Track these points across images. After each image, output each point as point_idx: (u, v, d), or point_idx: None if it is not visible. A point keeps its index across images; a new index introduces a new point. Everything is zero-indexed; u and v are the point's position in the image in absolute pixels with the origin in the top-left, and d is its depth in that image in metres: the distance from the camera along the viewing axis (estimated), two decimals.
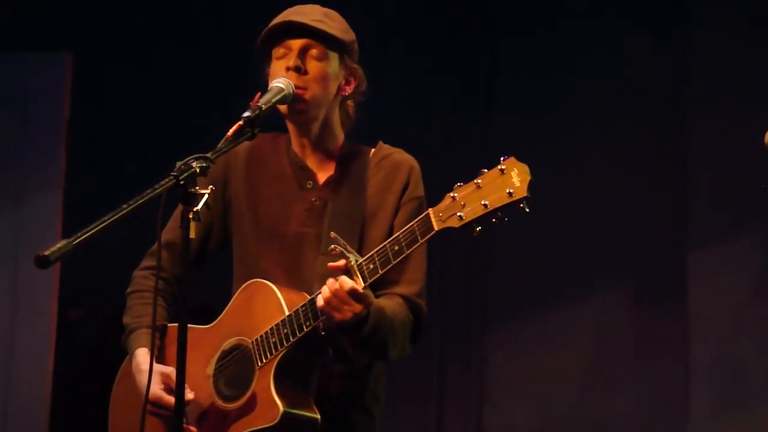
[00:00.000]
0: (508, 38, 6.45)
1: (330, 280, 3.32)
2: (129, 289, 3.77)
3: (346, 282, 3.29)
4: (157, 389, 3.47)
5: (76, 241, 2.90)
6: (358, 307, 3.31)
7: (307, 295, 3.43)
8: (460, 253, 6.25)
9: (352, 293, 3.29)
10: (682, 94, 6.11)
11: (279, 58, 3.59)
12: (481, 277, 6.35)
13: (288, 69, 3.54)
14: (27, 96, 6.50)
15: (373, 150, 3.70)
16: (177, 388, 3.08)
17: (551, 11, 6.36)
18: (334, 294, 3.30)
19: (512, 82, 6.41)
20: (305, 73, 3.55)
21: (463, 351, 6.34)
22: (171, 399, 3.41)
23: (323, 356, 3.47)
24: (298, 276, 3.57)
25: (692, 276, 5.99)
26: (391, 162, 3.66)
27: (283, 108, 3.56)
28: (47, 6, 6.57)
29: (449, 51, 6.49)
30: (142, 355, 3.58)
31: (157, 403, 3.47)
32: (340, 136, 3.70)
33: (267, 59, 3.64)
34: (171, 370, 3.48)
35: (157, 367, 3.48)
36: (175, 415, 3.12)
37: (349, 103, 3.70)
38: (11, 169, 6.48)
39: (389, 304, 3.49)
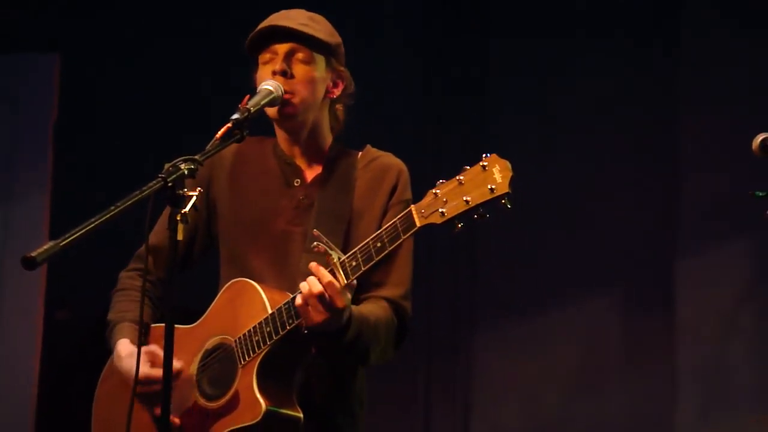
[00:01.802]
0: (504, 38, 6.45)
1: (309, 278, 3.31)
2: (114, 289, 3.77)
3: (324, 276, 3.28)
4: (143, 367, 3.43)
5: (64, 242, 2.89)
6: (340, 302, 3.28)
7: (290, 294, 3.43)
8: (447, 256, 6.25)
9: (330, 287, 3.27)
10: (673, 99, 6.11)
11: (265, 63, 3.60)
12: (469, 280, 6.34)
13: (274, 73, 3.55)
14: (15, 97, 6.50)
15: (360, 153, 3.70)
16: (164, 390, 3.07)
17: (548, 11, 6.36)
18: (311, 292, 3.29)
19: (507, 83, 6.40)
20: (292, 77, 3.56)
21: (451, 354, 6.34)
22: (156, 372, 3.40)
23: (306, 355, 3.47)
24: (285, 274, 3.56)
25: (680, 282, 6.00)
26: (380, 165, 3.67)
27: (272, 112, 3.56)
28: (36, 8, 6.56)
29: (445, 51, 6.48)
30: (121, 344, 3.57)
31: (146, 380, 3.44)
32: (329, 139, 3.70)
33: (254, 65, 3.64)
34: (154, 347, 3.49)
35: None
36: (162, 415, 3.11)
37: (338, 107, 3.70)
38: None
39: (373, 309, 3.49)
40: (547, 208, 6.09)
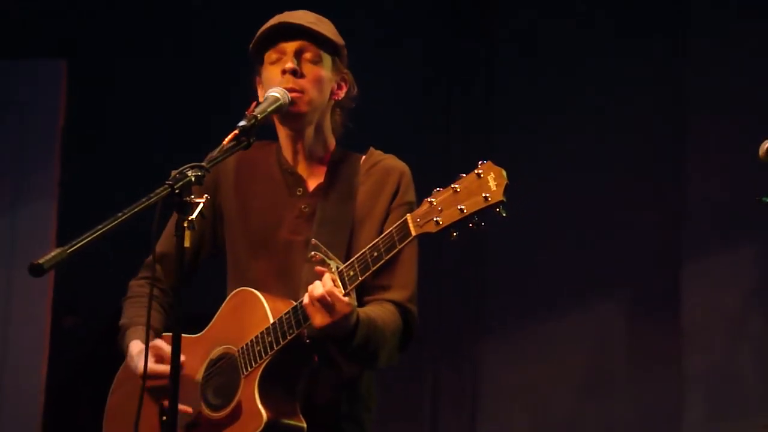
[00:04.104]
0: (507, 40, 6.45)
1: (315, 282, 3.31)
2: (125, 297, 3.77)
3: (327, 282, 3.28)
4: (150, 362, 3.42)
5: (71, 249, 2.88)
6: (343, 307, 3.27)
7: (293, 303, 3.42)
8: (454, 261, 6.24)
9: (331, 294, 3.27)
10: (681, 103, 6.10)
11: (273, 63, 3.57)
12: (476, 286, 6.34)
13: (284, 72, 3.53)
14: (22, 102, 6.50)
15: (363, 156, 3.68)
16: (171, 399, 3.06)
17: (550, 12, 6.36)
18: (312, 295, 3.28)
19: (513, 85, 6.40)
20: (301, 75, 3.54)
21: (457, 360, 6.33)
22: (163, 368, 3.41)
23: (309, 364, 3.46)
24: (288, 283, 3.55)
25: (687, 287, 5.99)
26: (382, 168, 3.65)
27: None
28: (43, 13, 6.57)
29: (448, 55, 6.48)
30: (133, 345, 3.57)
31: (153, 375, 3.42)
32: (331, 143, 3.69)
33: (257, 66, 3.63)
34: (160, 342, 3.48)
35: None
36: (169, 419, 3.10)
37: (338, 110, 3.68)
38: (6, 177, 6.48)
39: (380, 312, 3.48)
40: (554, 213, 6.09)
